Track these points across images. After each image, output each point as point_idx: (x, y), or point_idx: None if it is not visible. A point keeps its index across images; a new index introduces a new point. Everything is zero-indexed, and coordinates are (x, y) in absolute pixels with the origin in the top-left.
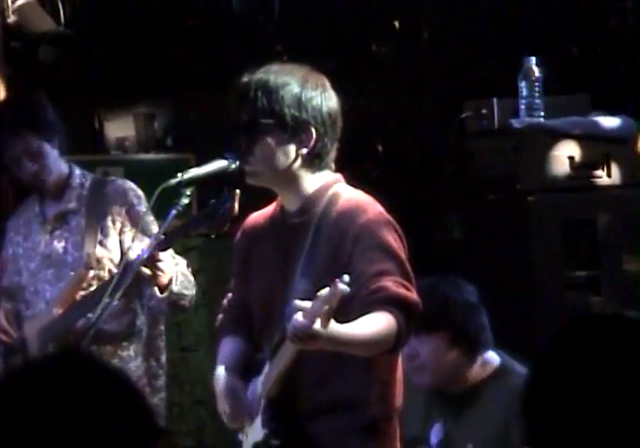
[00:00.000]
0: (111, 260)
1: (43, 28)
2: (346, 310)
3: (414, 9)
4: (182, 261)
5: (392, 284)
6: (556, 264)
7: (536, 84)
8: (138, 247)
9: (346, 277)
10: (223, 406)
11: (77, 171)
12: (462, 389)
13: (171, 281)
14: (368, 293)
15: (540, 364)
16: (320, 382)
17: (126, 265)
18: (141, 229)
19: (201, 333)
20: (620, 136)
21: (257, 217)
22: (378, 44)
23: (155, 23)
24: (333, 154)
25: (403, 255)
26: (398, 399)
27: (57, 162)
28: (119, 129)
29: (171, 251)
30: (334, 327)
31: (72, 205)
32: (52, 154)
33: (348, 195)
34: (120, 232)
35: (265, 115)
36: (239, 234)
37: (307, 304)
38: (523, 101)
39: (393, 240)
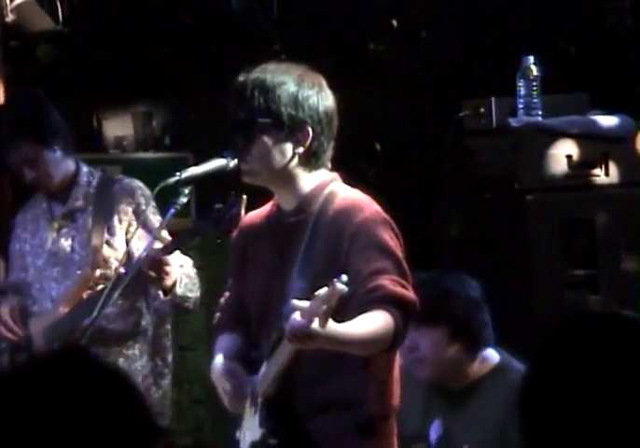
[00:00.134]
0: (118, 260)
1: (41, 27)
2: (343, 309)
3: (412, 8)
4: (188, 261)
5: (389, 282)
6: (554, 263)
7: (534, 83)
8: (143, 246)
9: (344, 277)
10: (224, 386)
11: (85, 168)
12: (461, 385)
13: (175, 284)
14: (365, 292)
15: (537, 363)
16: (318, 381)
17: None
18: (147, 228)
19: (200, 332)
20: (619, 135)
21: (254, 215)
22: (376, 43)
23: (153, 22)
24: (329, 153)
25: (400, 253)
26: (396, 398)
27: (59, 165)
28: (118, 128)
29: (177, 252)
30: (332, 326)
31: (79, 204)
32: (53, 159)
33: (344, 194)
34: (127, 232)
35: (262, 114)
36: (235, 233)
37: (305, 304)
38: (521, 100)
39: (390, 238)
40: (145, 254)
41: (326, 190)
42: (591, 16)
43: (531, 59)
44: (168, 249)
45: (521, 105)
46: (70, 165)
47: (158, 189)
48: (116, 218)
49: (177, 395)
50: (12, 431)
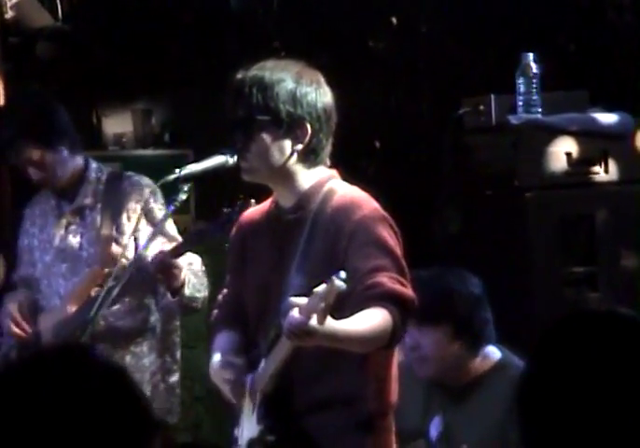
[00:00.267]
0: (125, 257)
1: (41, 23)
2: (341, 306)
3: (412, 5)
4: (196, 260)
5: (387, 280)
6: (554, 260)
7: (534, 80)
8: (153, 245)
9: (343, 274)
10: (224, 375)
11: (94, 165)
12: (462, 382)
13: (183, 285)
14: (363, 289)
15: (534, 360)
16: (316, 378)
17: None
18: (154, 226)
19: (200, 330)
20: (618, 132)
21: (253, 212)
22: (375, 40)
23: (153, 19)
24: (328, 149)
25: (398, 251)
26: (394, 395)
27: (66, 164)
28: (117, 125)
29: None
30: (330, 323)
31: (88, 201)
32: (59, 159)
33: (343, 191)
34: (135, 230)
35: (260, 111)
36: (234, 230)
37: (303, 301)
38: (521, 97)
39: (388, 236)
40: (144, 250)
41: (325, 187)
42: (591, 13)
43: (530, 56)
44: (177, 252)
45: (520, 103)
46: (78, 161)
47: (157, 186)
48: (124, 216)
49: None
50: (10, 425)
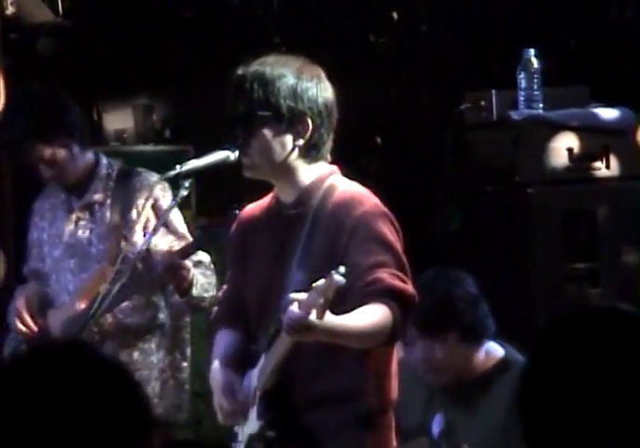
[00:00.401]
0: (135, 255)
1: (41, 19)
2: (341, 301)
3: (412, 1)
4: (206, 258)
5: (388, 276)
6: (555, 256)
7: (535, 76)
8: (162, 243)
9: (342, 268)
10: (220, 402)
11: (104, 160)
12: (465, 380)
13: (191, 285)
14: (363, 285)
15: (535, 357)
16: (316, 374)
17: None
18: (165, 224)
19: (201, 326)
20: (620, 128)
21: (253, 208)
22: (376, 35)
23: (154, 15)
24: (329, 145)
25: (399, 247)
26: (394, 392)
27: (77, 161)
28: (118, 120)
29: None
30: (330, 318)
31: (98, 196)
32: (70, 156)
33: (344, 187)
34: (145, 227)
35: (261, 107)
36: (234, 226)
37: (302, 296)
38: (522, 93)
39: (389, 232)
40: (145, 247)
41: (326, 183)
42: (593, 8)
43: (532, 51)
44: (185, 253)
45: (521, 98)
46: (89, 157)
47: (159, 181)
48: (134, 213)
49: None
50: (8, 420)
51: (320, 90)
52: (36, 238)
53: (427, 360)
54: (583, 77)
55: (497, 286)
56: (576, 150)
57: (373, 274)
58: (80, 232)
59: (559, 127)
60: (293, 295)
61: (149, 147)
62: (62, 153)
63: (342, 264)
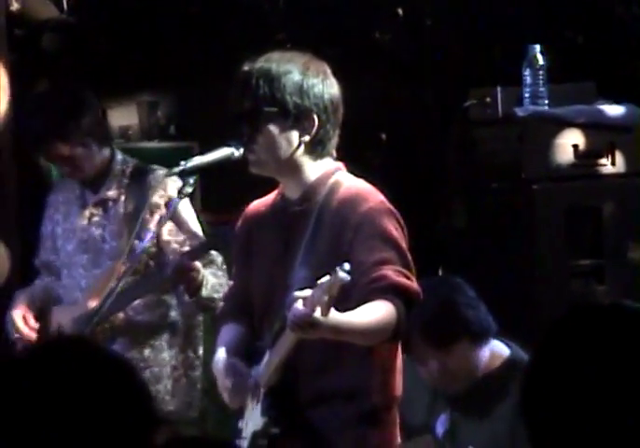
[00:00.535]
0: (147, 253)
1: (46, 16)
2: (346, 298)
3: None
4: (218, 259)
5: (392, 273)
6: (560, 253)
7: (541, 72)
8: (174, 242)
9: (346, 265)
10: (224, 383)
11: (119, 156)
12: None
13: (200, 286)
14: (368, 282)
15: (539, 354)
16: (320, 370)
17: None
18: (178, 223)
19: (206, 323)
20: (625, 125)
21: (258, 204)
22: (381, 32)
23: (158, 11)
24: (335, 141)
25: (404, 244)
26: (398, 388)
27: (94, 159)
28: (123, 117)
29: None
30: (334, 315)
31: (112, 193)
32: (88, 154)
33: (349, 183)
34: (158, 224)
35: (267, 103)
36: (240, 222)
37: (307, 293)
38: (528, 89)
39: (394, 229)
40: (148, 244)
41: (331, 180)
42: (599, 5)
43: (537, 48)
44: (195, 254)
45: (527, 95)
46: (105, 153)
47: (162, 178)
48: (147, 211)
49: None
50: (10, 416)
51: (326, 86)
52: (50, 231)
53: (444, 372)
54: (589, 73)
55: (502, 283)
56: (581, 147)
57: (378, 271)
58: (93, 229)
59: (564, 124)
60: (297, 293)
61: (154, 144)
62: (79, 151)
63: (347, 261)
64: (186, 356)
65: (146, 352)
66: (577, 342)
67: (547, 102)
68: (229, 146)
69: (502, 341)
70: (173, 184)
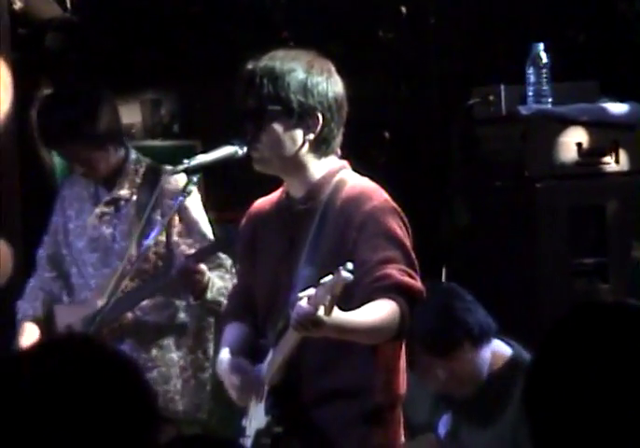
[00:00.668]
0: (157, 254)
1: (49, 14)
2: (350, 297)
3: None
4: (227, 262)
5: (396, 272)
6: (564, 251)
7: (544, 70)
8: (184, 243)
9: (350, 265)
10: (231, 380)
11: (133, 156)
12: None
13: (206, 289)
14: (372, 280)
15: (542, 353)
16: (324, 369)
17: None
18: (188, 224)
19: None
20: (629, 123)
21: (263, 202)
22: (384, 30)
23: (161, 9)
24: (339, 139)
25: (408, 243)
26: (402, 387)
27: (110, 159)
28: (126, 115)
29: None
30: (338, 314)
31: (124, 193)
32: (105, 156)
33: (353, 182)
34: (168, 226)
35: (271, 101)
36: (244, 220)
37: (310, 291)
38: (531, 87)
39: (398, 228)
40: (152, 242)
41: (336, 178)
42: (601, 3)
43: (541, 46)
44: (200, 257)
45: (530, 93)
46: (120, 153)
47: (165, 176)
48: (158, 212)
49: None
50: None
51: (330, 84)
52: (62, 224)
53: (451, 378)
54: (592, 71)
55: (505, 281)
56: (585, 145)
57: (382, 270)
58: (104, 228)
59: (568, 122)
60: (301, 294)
61: (157, 142)
62: (96, 153)
63: (351, 260)
64: (195, 357)
65: (154, 352)
66: (580, 340)
67: (550, 100)
68: (232, 144)
69: (504, 340)
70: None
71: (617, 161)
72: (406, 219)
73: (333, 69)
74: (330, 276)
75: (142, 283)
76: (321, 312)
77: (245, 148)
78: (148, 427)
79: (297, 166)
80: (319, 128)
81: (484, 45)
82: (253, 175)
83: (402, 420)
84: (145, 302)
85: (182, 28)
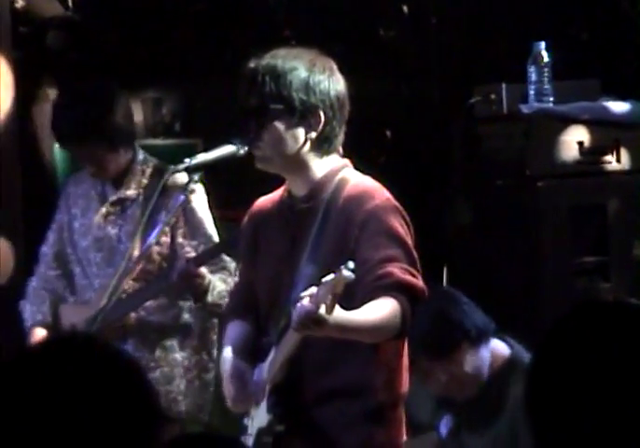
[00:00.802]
0: (161, 255)
1: (51, 13)
2: (351, 295)
3: None
4: (231, 265)
5: (398, 270)
6: (565, 250)
7: (546, 69)
8: (188, 245)
9: (351, 264)
10: (228, 388)
11: (140, 156)
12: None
13: (206, 292)
14: (373, 279)
15: (542, 352)
16: (326, 368)
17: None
18: (193, 226)
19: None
20: (630, 121)
21: (265, 201)
22: (386, 29)
23: (163, 8)
24: (341, 138)
25: (410, 241)
26: (405, 385)
27: (120, 160)
28: None
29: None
30: (339, 313)
31: (130, 193)
32: (116, 157)
33: (355, 181)
34: (173, 228)
35: (273, 100)
36: (246, 219)
37: (311, 290)
38: (533, 86)
39: (400, 226)
40: (154, 240)
41: (338, 177)
42: (604, 1)
43: (542, 45)
44: (201, 260)
45: (532, 92)
46: (128, 153)
47: (167, 175)
48: (163, 213)
49: None
50: (12, 415)
51: (332, 82)
52: (67, 222)
53: (451, 381)
54: (594, 70)
55: (507, 280)
56: (586, 144)
57: (383, 269)
58: (110, 228)
59: (569, 120)
60: (302, 294)
61: (158, 141)
62: (109, 153)
63: (352, 258)
64: (199, 358)
65: (157, 352)
66: (581, 339)
67: (552, 99)
68: (233, 143)
69: (503, 340)
70: (191, 186)
71: (618, 160)
72: (408, 218)
73: (335, 67)
74: (332, 275)
75: (146, 284)
76: (322, 311)
77: (247, 147)
78: (151, 425)
79: (299, 165)
80: (321, 126)
81: (485, 43)
82: (255, 173)
83: (404, 419)
84: (149, 303)
85: (183, 27)
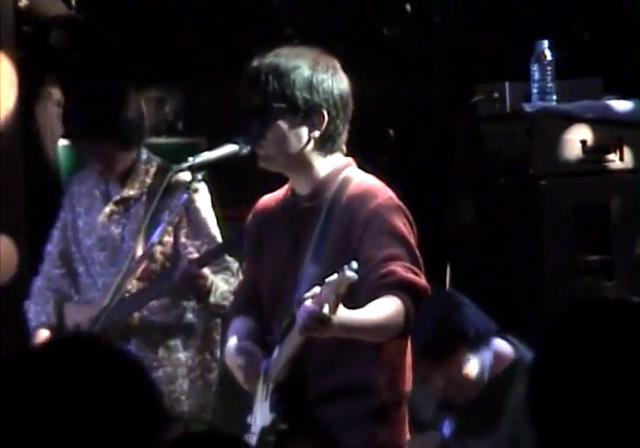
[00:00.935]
0: (164, 255)
1: (54, 12)
2: (354, 294)
3: None
4: (234, 266)
5: (401, 269)
6: (568, 248)
7: (549, 68)
8: (191, 245)
9: (354, 264)
10: (238, 362)
11: (144, 155)
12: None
13: (209, 293)
14: (376, 278)
15: (544, 351)
16: (329, 367)
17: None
18: (197, 226)
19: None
20: (633, 120)
21: (268, 200)
22: (389, 27)
23: (166, 7)
24: (345, 136)
25: (413, 240)
26: (408, 385)
27: (127, 159)
28: None
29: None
30: (343, 313)
31: (134, 192)
32: (123, 156)
33: (359, 180)
34: (176, 228)
35: (277, 99)
36: (249, 217)
37: (315, 291)
38: (536, 85)
39: (403, 225)
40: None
41: (341, 176)
42: (606, 0)
43: (545, 43)
44: (203, 261)
45: (535, 90)
46: (133, 153)
47: (170, 174)
48: (167, 213)
49: None
50: (16, 415)
51: (335, 81)
52: (71, 220)
53: (451, 383)
54: (596, 68)
55: (510, 278)
56: (589, 142)
57: (386, 267)
58: (113, 227)
59: (572, 119)
60: (305, 295)
61: (161, 140)
62: (119, 152)
63: (355, 258)
64: (203, 357)
65: (160, 352)
66: (582, 337)
67: (555, 97)
68: (236, 142)
69: (506, 340)
70: (195, 186)
71: (621, 159)
72: (411, 217)
73: (338, 66)
74: (335, 275)
75: (149, 283)
76: (326, 310)
77: (250, 146)
78: (155, 425)
79: (302, 164)
80: (324, 125)
81: (488, 42)
82: (258, 172)
83: (407, 417)
84: (152, 302)
85: (186, 26)
